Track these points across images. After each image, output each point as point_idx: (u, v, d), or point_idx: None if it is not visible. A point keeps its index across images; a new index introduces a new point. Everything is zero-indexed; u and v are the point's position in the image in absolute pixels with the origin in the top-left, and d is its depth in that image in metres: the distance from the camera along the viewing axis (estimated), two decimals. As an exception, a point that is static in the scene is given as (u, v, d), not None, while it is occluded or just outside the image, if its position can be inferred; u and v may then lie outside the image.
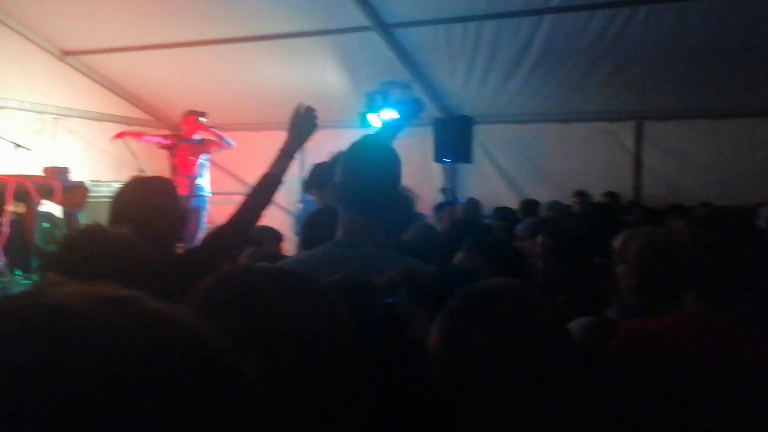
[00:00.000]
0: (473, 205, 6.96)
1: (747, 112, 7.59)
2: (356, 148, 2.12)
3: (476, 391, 1.12)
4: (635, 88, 7.61)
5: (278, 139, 9.43)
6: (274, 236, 3.77)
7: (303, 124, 2.51)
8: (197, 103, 8.30)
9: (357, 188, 2.01)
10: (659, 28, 6.38)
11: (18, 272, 6.71)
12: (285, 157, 2.48)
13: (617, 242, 2.28)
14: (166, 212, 2.32)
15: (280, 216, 9.76)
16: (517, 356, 1.11)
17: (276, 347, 0.98)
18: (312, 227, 3.05)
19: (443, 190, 8.44)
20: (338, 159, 4.08)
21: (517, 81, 7.68)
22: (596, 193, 7.74)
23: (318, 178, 3.87)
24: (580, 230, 2.92)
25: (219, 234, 2.51)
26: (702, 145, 7.88)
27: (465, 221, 4.68)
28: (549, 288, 2.61)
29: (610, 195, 7.72)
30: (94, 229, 1.67)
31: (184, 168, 7.89)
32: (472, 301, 1.19)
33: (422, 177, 8.44)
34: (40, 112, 8.33)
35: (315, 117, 2.48)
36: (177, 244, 2.53)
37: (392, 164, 2.09)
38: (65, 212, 6.09)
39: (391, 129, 5.08)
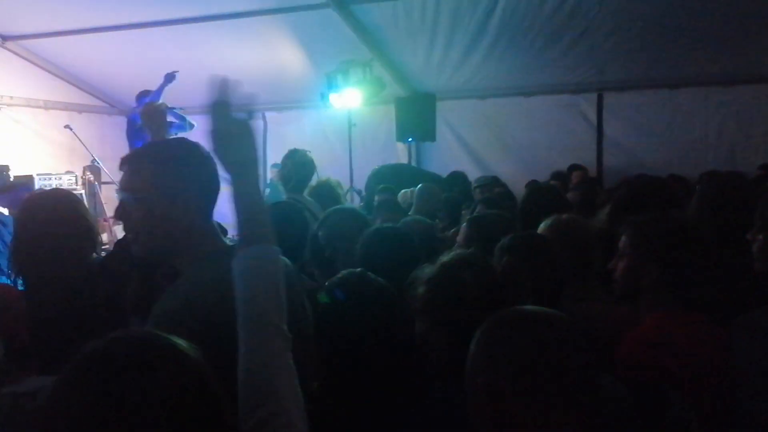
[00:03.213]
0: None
1: (701, 81, 7.66)
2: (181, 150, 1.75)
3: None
4: (594, 59, 7.60)
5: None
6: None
7: (152, 116, 2.63)
8: (152, 88, 7.97)
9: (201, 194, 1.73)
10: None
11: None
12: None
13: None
14: (69, 225, 2.26)
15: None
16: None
17: None
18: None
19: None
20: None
21: (479, 55, 7.58)
22: (564, 166, 7.74)
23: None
24: None
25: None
26: (659, 115, 7.95)
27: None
28: None
29: (576, 167, 7.73)
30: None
31: None
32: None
33: (387, 156, 8.35)
34: (-19, 102, 7.92)
35: (161, 109, 2.63)
36: (92, 254, 2.42)
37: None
38: (11, 211, 5.82)
39: None
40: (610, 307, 2.26)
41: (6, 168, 5.18)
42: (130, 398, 0.89)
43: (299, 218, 2.85)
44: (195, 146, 1.73)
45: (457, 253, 1.83)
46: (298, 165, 4.00)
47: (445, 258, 1.76)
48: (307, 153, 4.13)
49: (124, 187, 1.63)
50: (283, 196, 8.31)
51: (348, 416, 1.50)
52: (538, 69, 7.79)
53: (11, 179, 5.16)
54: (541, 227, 2.43)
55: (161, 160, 1.63)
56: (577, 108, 8.29)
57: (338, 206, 2.77)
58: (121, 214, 1.64)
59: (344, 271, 1.71)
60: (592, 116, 8.27)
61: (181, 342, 1.00)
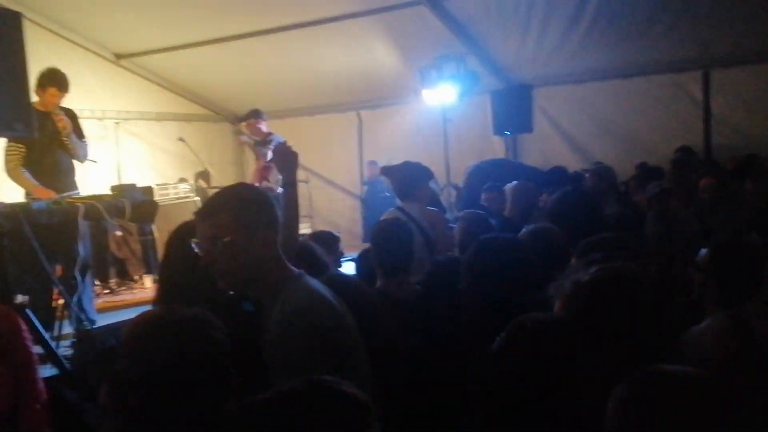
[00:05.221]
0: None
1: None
2: None
3: None
4: (698, 35, 7.25)
5: (336, 122, 9.51)
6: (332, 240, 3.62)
7: (287, 158, 2.75)
8: (253, 94, 8.31)
9: None
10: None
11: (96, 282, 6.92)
12: (289, 187, 2.71)
13: None
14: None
15: (347, 200, 9.90)
16: None
17: None
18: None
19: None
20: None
21: (575, 39, 7.39)
22: (667, 149, 7.47)
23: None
24: None
25: None
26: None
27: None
28: None
29: (684, 150, 7.42)
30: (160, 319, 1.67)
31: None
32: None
33: (483, 150, 8.33)
34: (101, 119, 8.50)
35: (292, 151, 2.73)
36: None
37: None
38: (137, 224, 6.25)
39: None
40: None
41: (134, 186, 5.57)
42: None
43: (404, 235, 3.00)
44: (259, 190, 2.11)
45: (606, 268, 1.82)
46: (404, 177, 4.05)
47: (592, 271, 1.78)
48: (418, 163, 4.17)
49: (211, 234, 1.87)
50: (384, 194, 8.54)
51: None
52: (638, 49, 7.53)
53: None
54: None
55: (238, 205, 1.90)
56: (681, 87, 7.94)
57: (492, 236, 2.66)
58: (208, 258, 1.88)
59: None
60: (698, 95, 7.89)
61: (349, 386, 1.11)
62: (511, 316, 2.19)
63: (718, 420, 1.07)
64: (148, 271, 7.10)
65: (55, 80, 5.01)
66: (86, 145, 5.42)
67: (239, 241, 1.85)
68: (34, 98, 4.97)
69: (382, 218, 3.77)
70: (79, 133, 5.36)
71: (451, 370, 2.15)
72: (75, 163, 5.45)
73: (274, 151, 2.87)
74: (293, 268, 1.99)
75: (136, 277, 7.18)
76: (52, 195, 4.87)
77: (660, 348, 1.64)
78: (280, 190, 6.79)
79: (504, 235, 2.63)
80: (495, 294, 2.29)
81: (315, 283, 1.96)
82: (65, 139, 5.16)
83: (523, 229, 3.02)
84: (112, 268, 7.08)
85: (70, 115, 5.31)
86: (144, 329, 1.57)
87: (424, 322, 2.51)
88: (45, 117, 5.03)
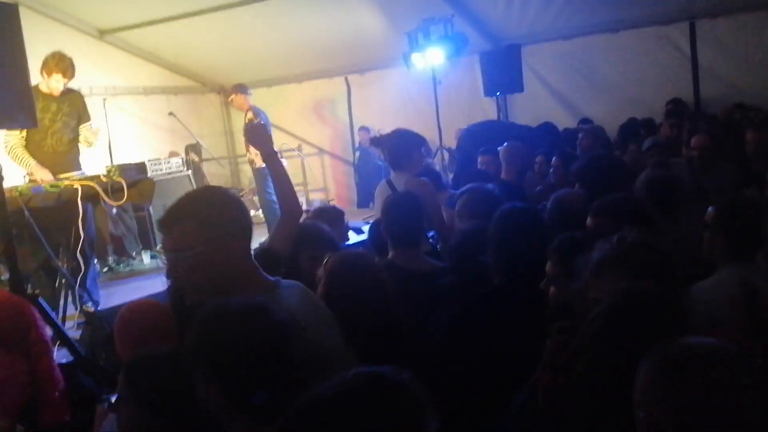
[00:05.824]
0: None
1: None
2: None
3: None
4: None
5: (324, 87, 9.49)
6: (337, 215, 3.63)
7: (257, 135, 2.78)
8: (239, 64, 8.20)
9: None
10: None
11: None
12: (269, 160, 2.70)
13: None
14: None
15: (340, 166, 9.92)
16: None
17: None
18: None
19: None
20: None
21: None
22: (657, 102, 7.49)
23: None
24: None
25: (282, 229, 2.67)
26: (757, 39, 7.47)
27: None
28: None
29: (675, 102, 7.45)
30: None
31: None
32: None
33: (474, 111, 8.33)
34: (88, 95, 8.39)
35: (263, 126, 2.96)
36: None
37: None
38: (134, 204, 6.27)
39: None
40: None
41: (129, 166, 5.57)
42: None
43: (414, 208, 3.04)
44: (228, 195, 1.92)
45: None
46: (395, 146, 4.02)
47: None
48: (407, 130, 4.14)
49: (175, 248, 1.73)
50: (377, 162, 8.54)
51: None
52: (624, 2, 7.48)
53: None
54: None
55: (203, 214, 1.73)
56: (669, 39, 7.91)
57: (511, 206, 2.62)
58: (173, 272, 1.79)
59: None
60: (685, 47, 7.87)
61: (408, 379, 1.15)
62: (536, 286, 2.23)
63: (744, 392, 1.10)
64: (146, 247, 7.16)
65: (60, 67, 5.04)
66: (93, 127, 5.46)
67: (206, 253, 1.69)
68: (39, 79, 5.02)
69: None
70: (86, 116, 5.38)
71: (484, 347, 2.14)
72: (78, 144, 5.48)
73: (245, 132, 2.91)
74: (267, 278, 1.84)
75: (133, 254, 7.23)
76: (51, 175, 4.93)
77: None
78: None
79: (520, 205, 2.66)
80: (519, 264, 2.30)
81: (287, 293, 1.82)
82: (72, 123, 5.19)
83: (550, 198, 3.11)
84: (109, 246, 7.13)
85: (77, 96, 5.33)
86: (216, 327, 1.47)
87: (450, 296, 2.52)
88: (49, 99, 5.12)
